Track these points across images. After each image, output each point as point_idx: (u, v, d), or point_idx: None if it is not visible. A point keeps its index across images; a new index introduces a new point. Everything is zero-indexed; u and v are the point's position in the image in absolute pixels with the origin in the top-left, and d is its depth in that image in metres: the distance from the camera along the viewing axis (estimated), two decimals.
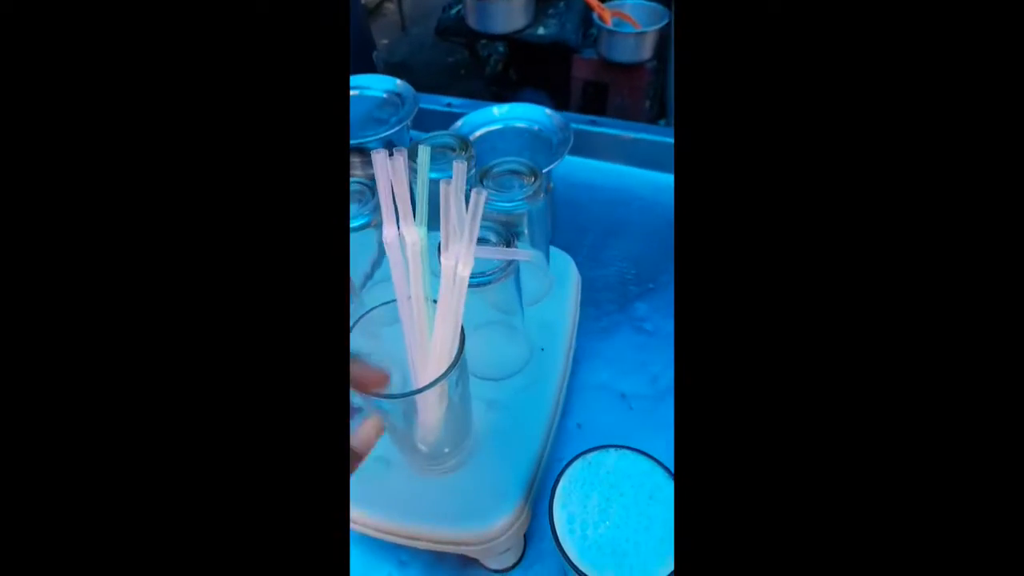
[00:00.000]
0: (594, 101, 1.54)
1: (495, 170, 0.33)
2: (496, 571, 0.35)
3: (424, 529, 0.31)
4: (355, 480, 0.21)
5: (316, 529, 0.15)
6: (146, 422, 0.14)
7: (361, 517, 0.31)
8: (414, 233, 0.21)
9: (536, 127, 0.48)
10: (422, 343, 0.22)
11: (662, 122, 1.47)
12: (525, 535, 0.35)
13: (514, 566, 0.35)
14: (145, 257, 0.14)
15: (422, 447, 0.31)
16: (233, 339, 0.15)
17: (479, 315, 0.35)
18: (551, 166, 0.44)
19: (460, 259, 0.20)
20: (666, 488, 0.26)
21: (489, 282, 0.28)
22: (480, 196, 0.20)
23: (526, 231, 0.37)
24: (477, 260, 0.28)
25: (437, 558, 0.36)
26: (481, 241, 0.29)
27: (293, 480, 0.15)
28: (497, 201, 0.31)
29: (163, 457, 0.14)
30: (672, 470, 0.27)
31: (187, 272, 0.15)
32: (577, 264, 0.55)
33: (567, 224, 0.58)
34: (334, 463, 0.15)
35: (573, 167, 0.65)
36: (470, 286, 0.28)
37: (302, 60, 0.15)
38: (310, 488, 0.15)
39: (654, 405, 0.43)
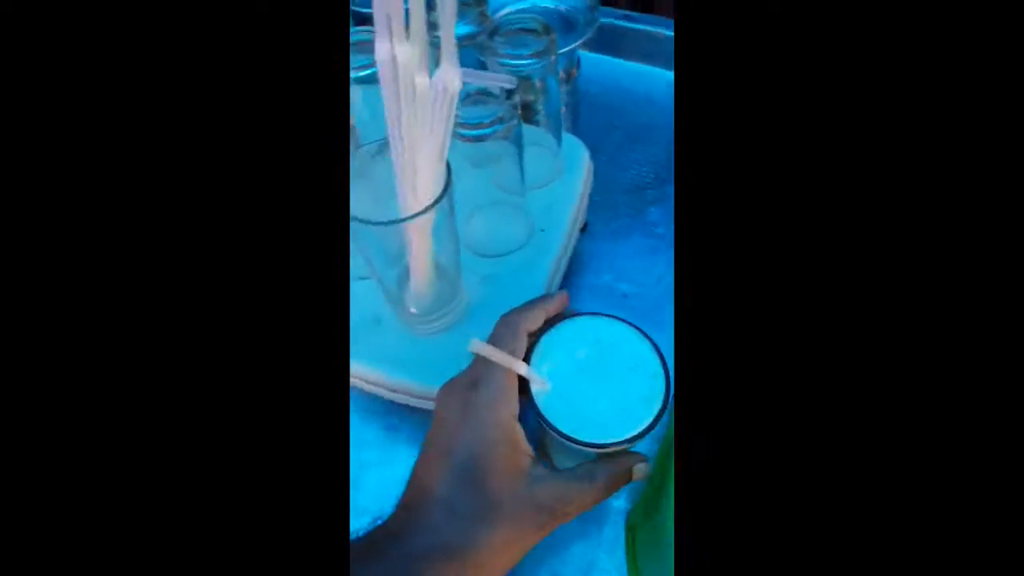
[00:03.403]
0: None
1: (505, 28, 0.31)
2: None
3: (413, 385, 0.32)
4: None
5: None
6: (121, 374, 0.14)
7: (352, 369, 0.32)
8: (404, 50, 0.20)
9: (563, 7, 0.45)
10: (410, 174, 0.22)
11: None
12: None
13: None
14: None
15: (413, 309, 0.31)
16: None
17: (482, 194, 0.35)
18: (575, 44, 0.41)
19: (447, 75, 0.19)
20: (650, 363, 0.26)
21: (484, 135, 0.27)
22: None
23: (540, 108, 0.36)
24: (475, 114, 0.27)
25: (427, 419, 0.38)
26: (484, 96, 0.28)
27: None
28: (505, 59, 0.30)
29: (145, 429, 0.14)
30: (658, 347, 0.26)
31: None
32: (598, 166, 0.53)
33: (592, 124, 0.55)
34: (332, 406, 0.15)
35: (604, 67, 0.62)
36: (469, 139, 0.27)
37: None
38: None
39: (654, 303, 0.42)
